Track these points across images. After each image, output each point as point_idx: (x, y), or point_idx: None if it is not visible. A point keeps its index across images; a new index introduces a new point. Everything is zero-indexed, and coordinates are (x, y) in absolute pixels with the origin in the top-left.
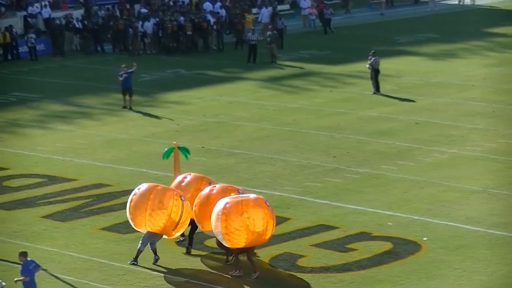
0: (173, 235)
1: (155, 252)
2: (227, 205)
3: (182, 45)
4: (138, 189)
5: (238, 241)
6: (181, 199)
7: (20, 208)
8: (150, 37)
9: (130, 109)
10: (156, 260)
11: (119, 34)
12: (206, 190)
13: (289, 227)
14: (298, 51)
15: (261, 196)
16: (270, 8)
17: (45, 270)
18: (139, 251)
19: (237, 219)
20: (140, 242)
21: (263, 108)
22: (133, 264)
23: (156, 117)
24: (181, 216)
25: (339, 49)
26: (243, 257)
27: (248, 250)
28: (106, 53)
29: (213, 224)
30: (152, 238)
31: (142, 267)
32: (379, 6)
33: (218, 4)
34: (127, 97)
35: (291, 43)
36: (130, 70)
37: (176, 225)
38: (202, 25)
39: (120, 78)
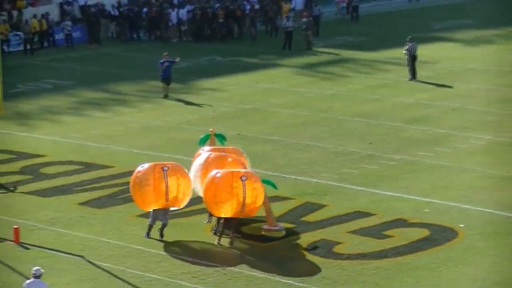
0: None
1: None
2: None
3: (217, 33)
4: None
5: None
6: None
7: (57, 195)
8: (185, 24)
9: (166, 96)
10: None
11: (153, 22)
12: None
13: (325, 214)
14: (334, 38)
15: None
16: None
17: None
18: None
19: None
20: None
21: (298, 94)
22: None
23: (192, 104)
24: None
25: (374, 36)
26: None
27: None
28: (141, 41)
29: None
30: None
31: (178, 254)
32: None
33: None
34: (166, 85)
35: (327, 29)
36: (172, 60)
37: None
38: (236, 12)
39: (161, 66)
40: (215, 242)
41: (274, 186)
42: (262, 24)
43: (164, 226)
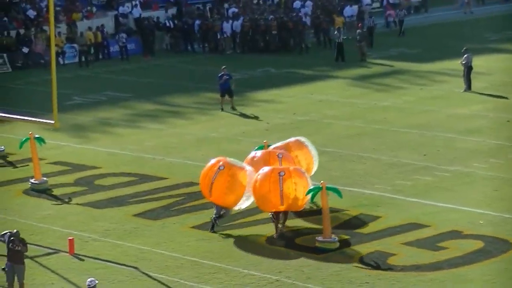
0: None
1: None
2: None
3: (271, 44)
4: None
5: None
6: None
7: (112, 207)
8: (239, 36)
9: (233, 109)
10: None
11: (207, 33)
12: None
13: (379, 225)
14: (388, 49)
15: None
16: (355, 6)
17: None
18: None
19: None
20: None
21: (353, 106)
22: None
23: (247, 115)
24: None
25: (428, 47)
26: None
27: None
28: (196, 52)
29: None
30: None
31: (233, 266)
32: (465, 6)
33: (309, 3)
34: (226, 98)
35: (380, 41)
36: (229, 74)
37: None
38: (288, 24)
39: (219, 80)
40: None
41: (339, 194)
42: (314, 36)
43: (221, 217)
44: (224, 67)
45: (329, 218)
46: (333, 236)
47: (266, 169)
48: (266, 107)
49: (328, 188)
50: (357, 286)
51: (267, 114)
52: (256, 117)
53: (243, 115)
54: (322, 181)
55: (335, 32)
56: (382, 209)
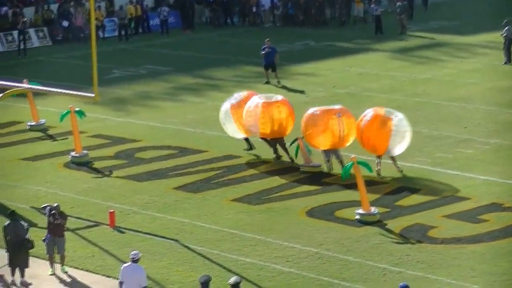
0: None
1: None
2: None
3: (311, 17)
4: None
5: None
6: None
7: (152, 180)
8: (279, 9)
9: (279, 83)
10: None
11: (246, 7)
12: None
13: (420, 198)
14: (428, 22)
15: None
16: None
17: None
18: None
19: None
20: None
21: (393, 79)
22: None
23: (286, 88)
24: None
25: (468, 20)
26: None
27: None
28: (235, 26)
29: None
30: None
31: (273, 238)
32: None
33: None
34: (270, 72)
35: (420, 13)
36: (274, 47)
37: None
38: None
39: (262, 52)
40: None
41: (369, 168)
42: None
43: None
44: (267, 39)
45: (365, 192)
46: (373, 208)
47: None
48: (306, 80)
49: (358, 163)
50: (398, 259)
51: (307, 87)
52: (295, 90)
53: (283, 88)
54: (352, 156)
55: (372, 5)
56: (422, 182)
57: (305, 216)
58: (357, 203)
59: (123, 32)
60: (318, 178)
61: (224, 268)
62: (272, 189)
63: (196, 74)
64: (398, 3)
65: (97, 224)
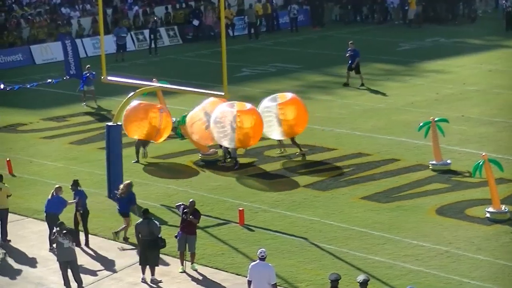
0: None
1: None
2: None
3: (441, 14)
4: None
5: None
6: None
7: (281, 178)
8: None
9: (363, 85)
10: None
11: (375, 4)
12: None
13: None
14: None
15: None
16: None
17: None
18: None
19: None
20: None
21: None
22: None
23: (415, 86)
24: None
25: None
26: None
27: None
28: (364, 23)
29: None
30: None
31: (401, 237)
32: None
33: None
34: (353, 73)
35: None
36: (354, 49)
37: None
38: None
39: (347, 55)
40: None
41: (501, 167)
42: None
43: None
44: (351, 42)
45: (496, 189)
46: (503, 207)
47: None
48: (435, 77)
49: (490, 161)
50: None
51: (436, 84)
52: (425, 87)
53: (412, 85)
54: (483, 153)
55: (503, 1)
56: None
57: (435, 214)
58: (487, 201)
59: (252, 31)
60: (446, 176)
61: (353, 266)
62: (401, 187)
63: (324, 71)
64: None
65: (226, 222)
